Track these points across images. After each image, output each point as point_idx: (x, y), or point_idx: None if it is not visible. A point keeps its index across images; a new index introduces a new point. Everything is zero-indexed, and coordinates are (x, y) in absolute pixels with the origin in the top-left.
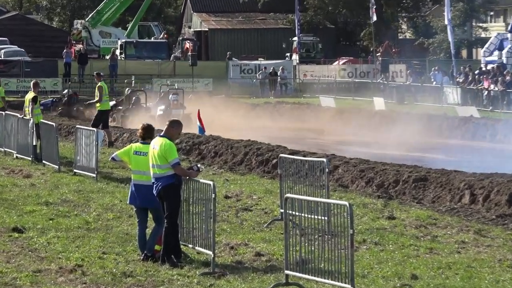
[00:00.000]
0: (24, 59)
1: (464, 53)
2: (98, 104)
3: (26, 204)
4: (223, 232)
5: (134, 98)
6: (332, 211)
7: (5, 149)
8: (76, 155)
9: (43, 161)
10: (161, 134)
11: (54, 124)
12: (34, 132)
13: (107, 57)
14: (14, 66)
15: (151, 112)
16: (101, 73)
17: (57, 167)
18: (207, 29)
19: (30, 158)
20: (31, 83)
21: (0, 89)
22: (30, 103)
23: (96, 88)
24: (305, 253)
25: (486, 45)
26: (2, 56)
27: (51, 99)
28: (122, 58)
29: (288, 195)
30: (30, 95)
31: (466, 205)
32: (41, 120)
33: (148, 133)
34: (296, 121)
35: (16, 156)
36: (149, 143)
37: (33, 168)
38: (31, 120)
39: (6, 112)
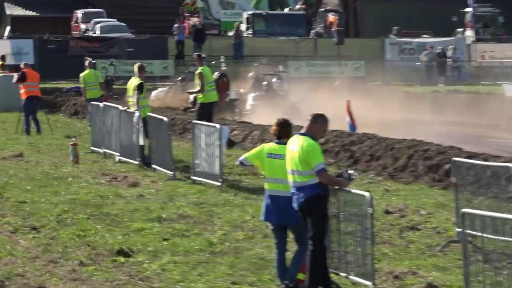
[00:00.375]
0: (125, 36)
1: None
2: (200, 95)
3: (134, 221)
4: (384, 257)
5: (265, 83)
6: None
7: (105, 151)
8: (195, 158)
9: (153, 166)
10: (302, 131)
11: (165, 118)
12: (141, 128)
13: (230, 34)
14: (113, 45)
15: (288, 101)
16: (203, 55)
17: (171, 173)
18: None
19: (136, 162)
20: (135, 66)
21: (96, 73)
22: (135, 92)
23: (196, 75)
24: (491, 285)
25: None
26: (98, 32)
27: (76, 86)
28: (249, 35)
29: (466, 210)
30: (134, 81)
31: None
32: (149, 114)
33: (284, 131)
34: (473, 115)
35: (119, 160)
36: (286, 143)
37: (141, 175)
38: (136, 114)
39: (105, 103)
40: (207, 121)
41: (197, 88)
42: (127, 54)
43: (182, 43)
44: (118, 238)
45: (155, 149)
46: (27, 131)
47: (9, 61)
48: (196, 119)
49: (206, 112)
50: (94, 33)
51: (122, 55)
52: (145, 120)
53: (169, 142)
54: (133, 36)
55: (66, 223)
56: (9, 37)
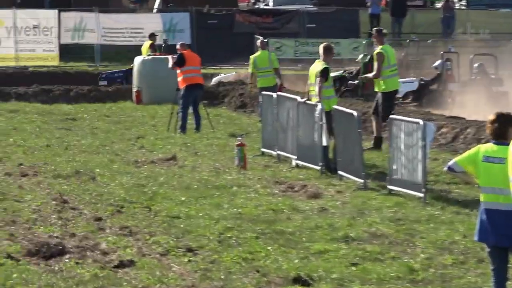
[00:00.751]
0: (305, 9)
1: None
2: (380, 83)
3: (314, 241)
4: None
5: (476, 65)
6: None
7: (279, 153)
8: (392, 162)
9: (339, 172)
10: None
11: (355, 112)
12: (324, 125)
13: (438, 5)
14: (289, 20)
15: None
16: (384, 30)
17: (361, 181)
18: None
19: (318, 167)
20: (321, 47)
21: (271, 56)
22: (318, 79)
23: (374, 56)
24: None
25: None
26: (271, 3)
27: (120, 70)
28: (462, 7)
29: None
30: (318, 66)
31: None
32: (335, 107)
33: (504, 128)
34: None
35: (296, 164)
36: (508, 144)
37: (324, 183)
38: (319, 106)
39: (279, 93)
40: (385, 114)
41: (374, 72)
42: (307, 31)
43: (377, 17)
44: (294, 262)
45: (342, 151)
46: (183, 128)
47: (160, 40)
48: (384, 115)
49: (391, 103)
50: (267, 5)
51: (302, 32)
52: (329, 114)
53: (359, 142)
54: (315, 8)
55: (230, 244)
56: (159, 10)
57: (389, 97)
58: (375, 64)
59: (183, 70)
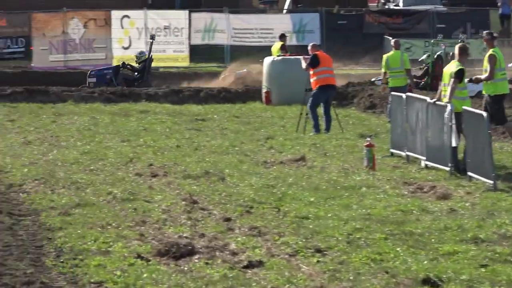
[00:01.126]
0: (436, 9)
1: None
2: (489, 85)
3: (443, 242)
4: None
5: None
6: None
7: (408, 153)
8: None
9: (468, 173)
10: None
11: (485, 113)
12: (454, 126)
13: None
14: (419, 21)
15: None
16: (495, 34)
17: (491, 182)
18: None
19: (447, 168)
20: (456, 47)
21: (403, 56)
22: (452, 79)
23: (486, 58)
24: None
25: None
26: (401, 4)
27: (110, 66)
28: None
29: None
30: (453, 66)
31: None
32: (466, 108)
33: None
34: None
35: (426, 165)
36: None
37: (453, 184)
38: (449, 107)
39: (409, 94)
40: (499, 119)
41: (485, 75)
42: (437, 32)
43: (508, 18)
44: (423, 264)
45: (471, 152)
46: (317, 128)
47: (290, 41)
48: (498, 118)
49: (501, 105)
50: (397, 5)
51: (432, 33)
52: (459, 115)
53: (489, 143)
54: (445, 8)
55: (359, 244)
56: (289, 11)
57: (499, 100)
58: (488, 66)
59: (316, 71)
